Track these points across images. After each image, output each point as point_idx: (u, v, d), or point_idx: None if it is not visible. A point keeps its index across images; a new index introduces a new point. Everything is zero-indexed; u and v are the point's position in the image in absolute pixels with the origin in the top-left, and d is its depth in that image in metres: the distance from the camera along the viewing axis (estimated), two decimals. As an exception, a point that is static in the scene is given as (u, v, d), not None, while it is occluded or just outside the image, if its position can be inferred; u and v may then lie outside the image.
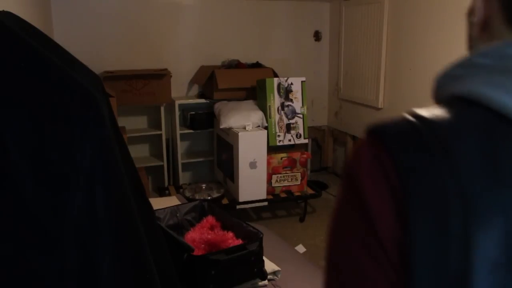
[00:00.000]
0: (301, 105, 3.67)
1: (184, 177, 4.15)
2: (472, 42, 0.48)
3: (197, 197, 3.56)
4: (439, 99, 0.45)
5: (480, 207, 0.36)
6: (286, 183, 3.69)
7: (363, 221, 0.40)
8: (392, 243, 0.38)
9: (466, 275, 0.35)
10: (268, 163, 3.53)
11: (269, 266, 1.64)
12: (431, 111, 0.41)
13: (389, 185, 0.39)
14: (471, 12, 0.47)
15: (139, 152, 4.10)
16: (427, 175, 0.37)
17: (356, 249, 0.40)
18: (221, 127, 3.58)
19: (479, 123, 0.39)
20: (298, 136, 3.66)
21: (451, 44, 2.88)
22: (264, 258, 1.61)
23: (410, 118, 0.41)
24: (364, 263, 0.40)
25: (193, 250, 1.47)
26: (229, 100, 3.82)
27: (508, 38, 0.42)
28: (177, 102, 3.91)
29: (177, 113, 3.95)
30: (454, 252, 0.36)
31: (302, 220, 3.77)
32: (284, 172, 3.66)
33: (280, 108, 3.62)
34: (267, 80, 3.59)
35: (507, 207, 0.36)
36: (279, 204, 3.90)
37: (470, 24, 0.47)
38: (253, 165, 3.42)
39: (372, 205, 0.39)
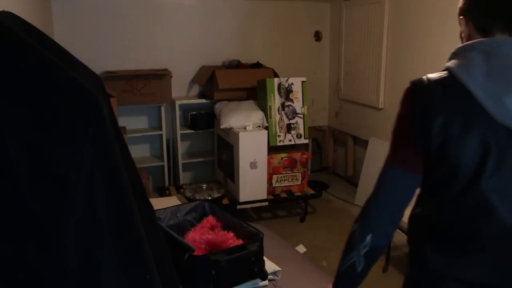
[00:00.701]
0: (301, 105, 3.67)
1: (184, 177, 4.15)
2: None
3: (197, 197, 3.56)
4: (444, 68, 1.04)
5: (436, 111, 0.98)
6: (286, 183, 3.69)
7: (400, 114, 1.07)
8: (408, 124, 1.04)
9: (430, 137, 0.99)
10: (269, 163, 3.53)
11: (270, 266, 1.64)
12: (436, 74, 1.03)
13: (409, 101, 1.05)
14: (461, 33, 1.11)
15: (139, 152, 4.11)
16: (420, 100, 1.02)
17: (396, 125, 1.08)
18: (221, 127, 3.58)
19: (447, 78, 1.00)
20: (299, 136, 3.66)
21: (451, 44, 2.87)
22: (264, 258, 1.61)
23: (425, 76, 1.03)
24: (398, 128, 1.08)
25: (193, 250, 1.47)
26: (229, 100, 3.82)
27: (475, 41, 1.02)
28: (177, 102, 3.91)
29: (178, 113, 3.95)
30: (425, 128, 0.99)
31: (302, 220, 3.76)
32: (285, 172, 3.66)
33: (280, 108, 3.62)
34: (268, 80, 3.59)
35: (448, 110, 0.97)
36: (279, 204, 3.90)
37: (462, 39, 1.11)
38: (253, 165, 3.42)
39: (402, 109, 1.06)
